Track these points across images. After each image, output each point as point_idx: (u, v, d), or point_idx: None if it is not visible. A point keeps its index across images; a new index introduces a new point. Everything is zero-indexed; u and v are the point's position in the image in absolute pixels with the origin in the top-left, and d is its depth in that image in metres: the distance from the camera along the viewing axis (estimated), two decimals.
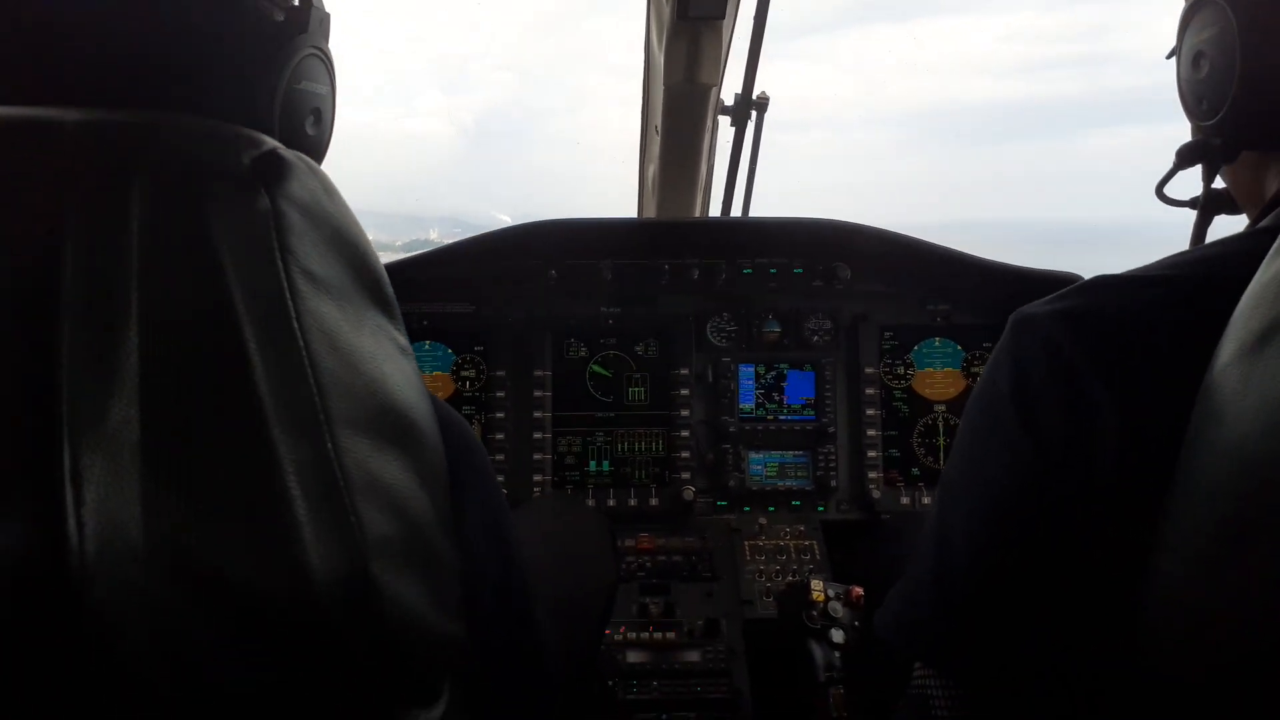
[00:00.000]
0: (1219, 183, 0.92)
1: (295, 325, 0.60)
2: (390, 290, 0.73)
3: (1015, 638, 0.75)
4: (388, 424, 0.67)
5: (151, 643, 0.55)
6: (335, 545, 0.60)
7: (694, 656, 1.76)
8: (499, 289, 2.12)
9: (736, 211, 2.39)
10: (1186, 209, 0.96)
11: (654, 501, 2.13)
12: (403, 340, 0.73)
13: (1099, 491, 0.69)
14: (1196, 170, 0.92)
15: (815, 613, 1.57)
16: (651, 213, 2.35)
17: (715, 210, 2.41)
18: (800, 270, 2.15)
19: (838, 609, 1.58)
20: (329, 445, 0.61)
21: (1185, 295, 0.71)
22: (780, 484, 2.17)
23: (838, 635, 1.55)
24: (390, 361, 0.70)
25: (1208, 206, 0.93)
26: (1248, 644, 0.57)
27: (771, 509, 2.16)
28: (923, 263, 2.11)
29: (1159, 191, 0.97)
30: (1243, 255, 0.67)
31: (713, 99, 1.88)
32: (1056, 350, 0.72)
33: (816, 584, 1.60)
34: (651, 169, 2.18)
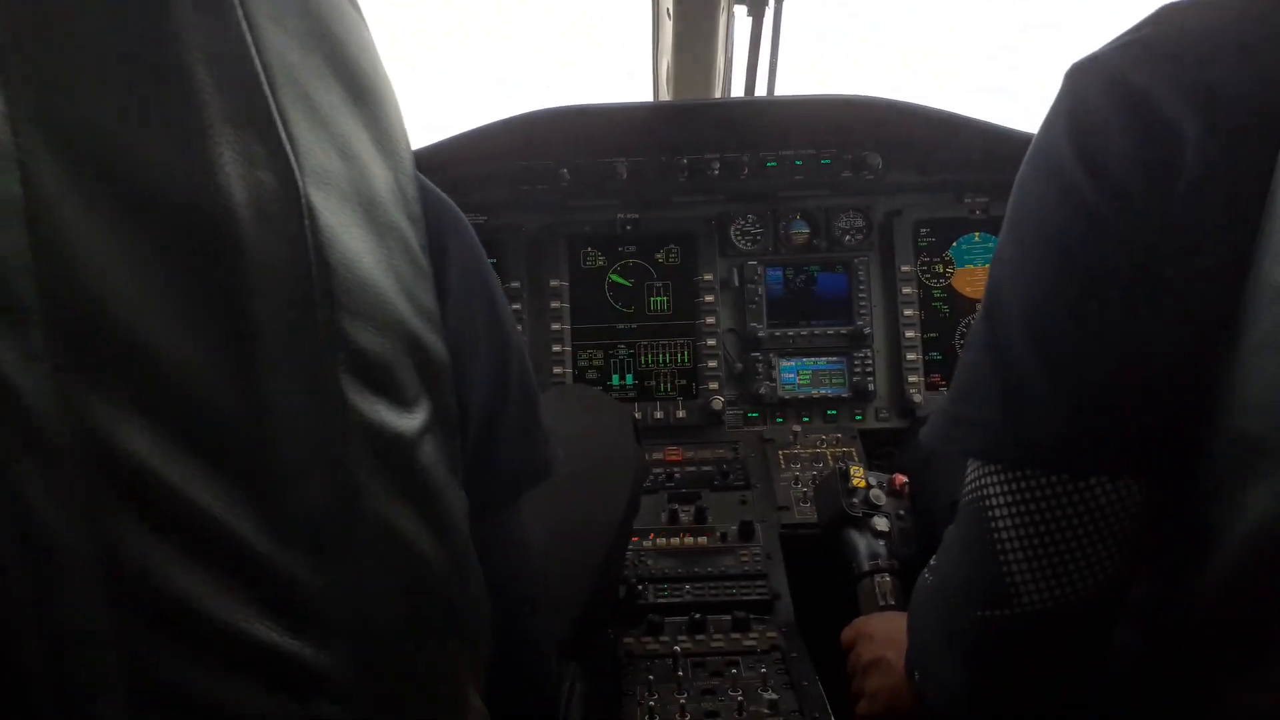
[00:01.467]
0: None
1: None
2: None
3: (1085, 412, 0.66)
4: (327, 49, 0.57)
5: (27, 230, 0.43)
6: (256, 146, 0.51)
7: (728, 561, 1.66)
8: (511, 193, 2.02)
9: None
10: None
11: (681, 414, 2.03)
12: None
13: (1174, 230, 0.60)
14: None
15: (856, 500, 1.46)
16: None
17: None
18: (828, 161, 2.02)
19: (880, 496, 1.47)
20: (243, 25, 0.51)
21: None
22: (814, 392, 2.05)
23: (882, 523, 1.44)
24: None
25: None
26: None
27: (806, 418, 2.05)
28: (962, 145, 1.97)
29: None
30: None
31: None
32: (1124, 82, 0.64)
33: (857, 470, 1.49)
34: (665, 62, 2.06)
